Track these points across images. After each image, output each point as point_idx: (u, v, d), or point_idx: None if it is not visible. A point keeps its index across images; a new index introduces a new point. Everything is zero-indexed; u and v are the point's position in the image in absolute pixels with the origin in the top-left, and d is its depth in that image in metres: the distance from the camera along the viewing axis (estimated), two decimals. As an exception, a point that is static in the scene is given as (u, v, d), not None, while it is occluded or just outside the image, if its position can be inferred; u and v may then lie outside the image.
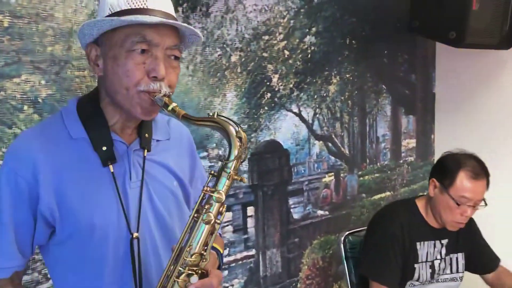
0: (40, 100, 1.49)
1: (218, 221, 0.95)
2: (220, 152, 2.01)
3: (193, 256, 0.93)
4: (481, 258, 2.01)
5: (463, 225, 1.86)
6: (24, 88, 1.45)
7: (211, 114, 0.96)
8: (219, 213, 0.95)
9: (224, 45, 1.98)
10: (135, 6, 0.97)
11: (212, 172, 0.98)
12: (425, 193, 2.05)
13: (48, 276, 1.54)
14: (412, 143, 2.92)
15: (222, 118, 0.97)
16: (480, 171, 1.82)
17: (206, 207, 0.95)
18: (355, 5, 2.51)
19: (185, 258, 0.93)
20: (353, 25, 2.52)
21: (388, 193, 2.75)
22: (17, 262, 1.04)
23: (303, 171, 2.36)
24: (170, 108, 0.97)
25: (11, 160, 1.01)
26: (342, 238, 2.06)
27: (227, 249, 2.06)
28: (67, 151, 1.02)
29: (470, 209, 1.80)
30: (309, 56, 2.32)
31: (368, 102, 2.67)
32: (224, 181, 0.95)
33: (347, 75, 2.52)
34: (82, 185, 1.01)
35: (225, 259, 2.05)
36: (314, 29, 2.33)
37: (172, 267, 0.94)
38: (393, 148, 2.84)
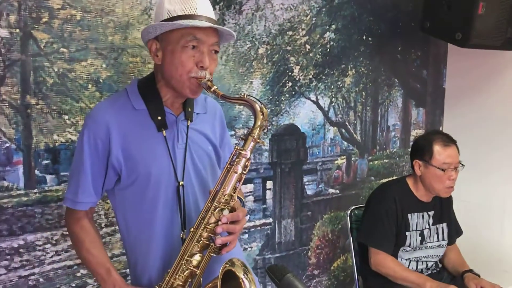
0: (101, 81, 1.82)
1: (244, 172, 1.28)
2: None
3: (226, 196, 1.26)
4: (450, 229, 2.28)
5: (453, 189, 2.13)
6: (89, 70, 1.78)
7: (242, 94, 1.29)
8: (245, 166, 1.28)
9: (253, 39, 2.27)
10: (188, 12, 1.28)
11: (242, 136, 1.30)
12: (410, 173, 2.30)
13: (103, 225, 1.88)
14: (420, 133, 3.15)
15: (250, 97, 1.29)
16: (448, 139, 2.13)
17: (236, 161, 1.28)
18: (373, 5, 2.76)
19: (220, 197, 1.26)
20: (370, 24, 2.77)
21: (395, 177, 2.98)
22: (93, 199, 1.37)
23: (317, 153, 2.65)
24: (212, 89, 1.29)
25: (90, 123, 1.33)
26: (349, 212, 2.34)
27: (248, 216, 2.37)
28: (131, 119, 1.34)
29: (454, 172, 2.09)
30: (328, 50, 2.59)
31: (380, 94, 2.92)
32: (250, 143, 1.28)
33: (362, 69, 2.78)
34: (142, 144, 1.33)
35: (245, 225, 2.36)
36: (333, 26, 2.59)
37: (209, 204, 1.27)
38: (402, 137, 3.10)
